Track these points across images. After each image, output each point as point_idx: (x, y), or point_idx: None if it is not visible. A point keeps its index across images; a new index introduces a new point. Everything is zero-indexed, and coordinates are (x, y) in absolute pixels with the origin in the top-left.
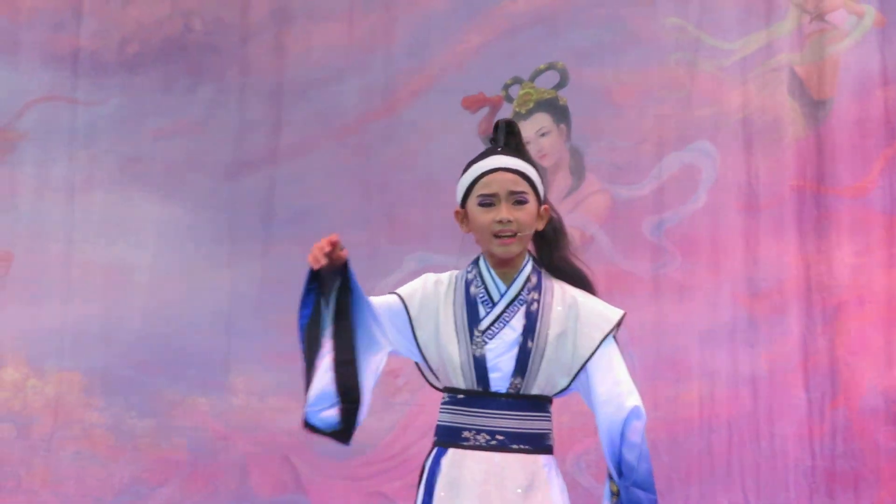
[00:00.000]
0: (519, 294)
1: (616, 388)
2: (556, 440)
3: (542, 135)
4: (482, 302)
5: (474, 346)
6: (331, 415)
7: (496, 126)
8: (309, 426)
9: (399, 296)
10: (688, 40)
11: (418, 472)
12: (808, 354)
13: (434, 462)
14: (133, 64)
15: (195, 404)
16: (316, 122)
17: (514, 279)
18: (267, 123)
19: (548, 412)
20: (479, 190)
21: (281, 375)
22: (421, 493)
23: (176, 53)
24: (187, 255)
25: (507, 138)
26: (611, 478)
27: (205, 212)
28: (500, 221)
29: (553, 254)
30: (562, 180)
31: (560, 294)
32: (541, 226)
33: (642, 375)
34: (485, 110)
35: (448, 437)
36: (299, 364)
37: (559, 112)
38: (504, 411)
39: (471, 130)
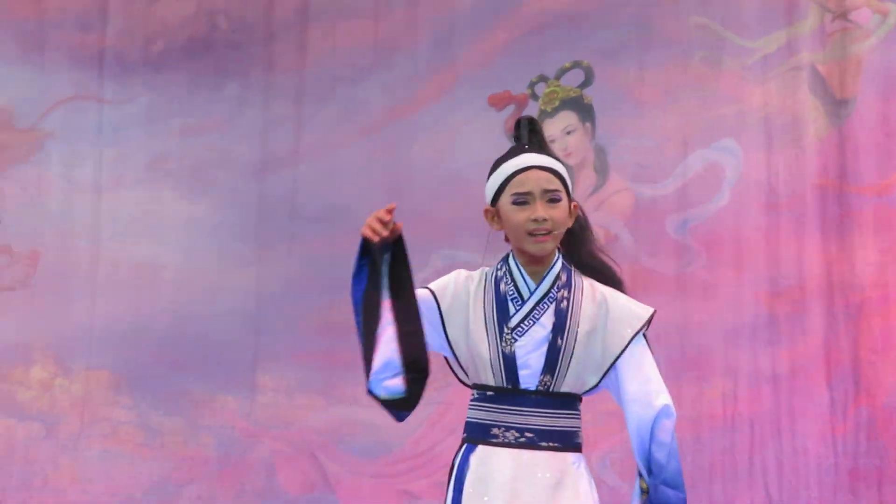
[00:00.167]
0: (549, 292)
1: (646, 387)
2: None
3: (568, 133)
4: (512, 299)
5: (504, 344)
6: (395, 383)
7: (518, 124)
8: (372, 395)
9: (430, 290)
10: (712, 39)
11: (445, 470)
12: (831, 352)
13: (463, 459)
14: (159, 63)
15: (222, 402)
16: (341, 120)
17: (544, 277)
18: (292, 121)
19: (577, 410)
20: (513, 188)
21: (308, 373)
22: (450, 489)
23: (201, 52)
24: (214, 252)
25: (529, 136)
26: (640, 476)
27: (231, 210)
28: (536, 220)
29: (581, 250)
30: (586, 179)
31: (590, 292)
32: (571, 223)
33: (666, 374)
34: (511, 108)
35: (477, 434)
36: (326, 362)
37: (584, 110)
38: (533, 409)
39: (496, 128)
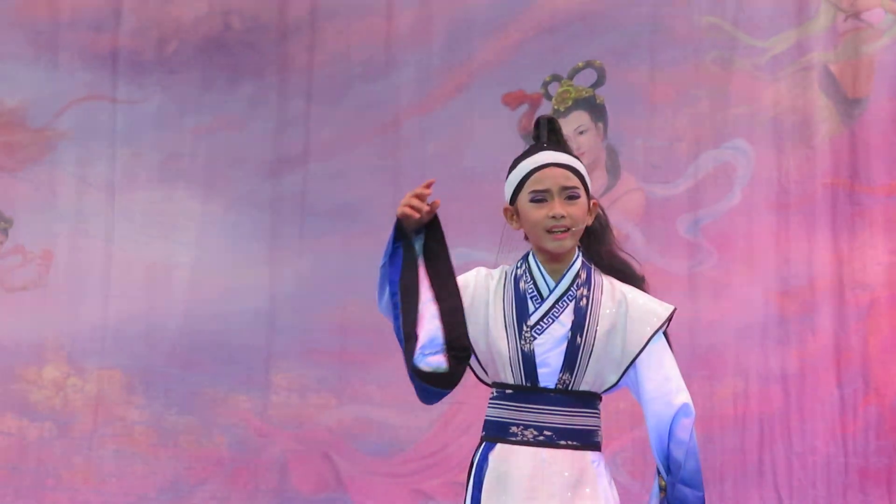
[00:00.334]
0: (568, 290)
1: (665, 385)
2: None
3: (580, 133)
4: (531, 297)
5: (523, 342)
6: (438, 359)
7: (537, 123)
8: (415, 368)
9: None
10: (723, 39)
11: (457, 470)
12: (841, 351)
13: (482, 457)
14: (172, 63)
15: (236, 402)
16: (355, 119)
17: (564, 275)
18: (306, 120)
19: (597, 409)
20: (531, 186)
21: (321, 372)
22: (470, 488)
23: (215, 52)
24: (227, 252)
25: (549, 135)
26: (659, 473)
27: (245, 209)
28: (554, 217)
29: (601, 248)
30: (598, 179)
31: (609, 290)
32: (590, 220)
33: None
34: (524, 107)
35: (496, 433)
36: (339, 361)
37: (596, 110)
38: (552, 407)
39: (510, 127)
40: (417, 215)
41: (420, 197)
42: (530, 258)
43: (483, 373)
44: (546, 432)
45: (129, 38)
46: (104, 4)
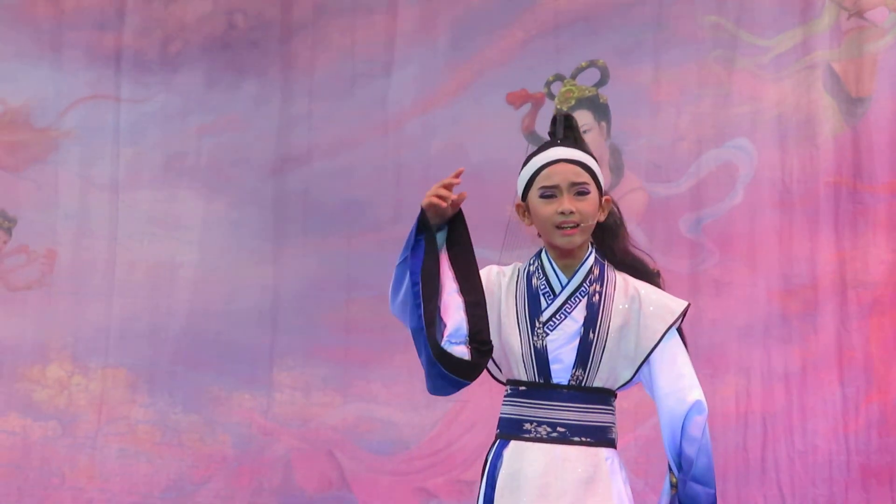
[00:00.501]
0: (581, 286)
1: (678, 382)
2: None
3: (584, 132)
4: (544, 293)
5: (535, 338)
6: (461, 350)
7: (554, 119)
8: (442, 352)
9: None
10: (726, 38)
11: (462, 468)
12: (843, 350)
13: (496, 454)
14: (176, 61)
15: (240, 400)
16: (359, 117)
17: (576, 271)
18: (310, 119)
19: (611, 405)
20: (541, 182)
21: (325, 371)
22: (483, 485)
23: (219, 50)
24: (231, 251)
25: (565, 132)
26: (671, 470)
27: (249, 208)
28: (563, 212)
29: (615, 244)
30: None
31: (623, 286)
32: (602, 217)
33: None
34: (527, 106)
35: (510, 430)
36: (343, 359)
37: (600, 110)
38: (566, 403)
39: (514, 126)
40: (445, 205)
41: (448, 187)
42: (543, 255)
43: (497, 370)
44: (560, 429)
45: (132, 37)
46: (108, 4)
